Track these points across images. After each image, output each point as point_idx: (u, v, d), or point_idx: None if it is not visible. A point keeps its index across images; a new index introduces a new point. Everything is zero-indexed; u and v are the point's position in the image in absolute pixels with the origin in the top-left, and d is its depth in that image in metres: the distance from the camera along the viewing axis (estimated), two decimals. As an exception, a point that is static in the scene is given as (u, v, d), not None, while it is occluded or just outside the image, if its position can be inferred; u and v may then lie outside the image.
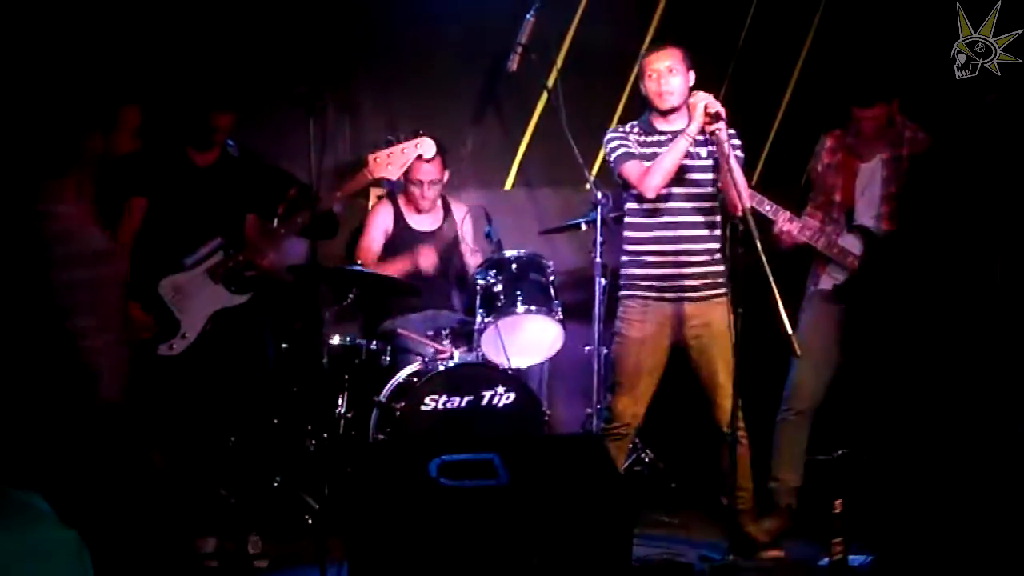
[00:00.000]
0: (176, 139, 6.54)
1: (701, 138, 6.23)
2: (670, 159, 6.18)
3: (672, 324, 6.35)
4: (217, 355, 6.44)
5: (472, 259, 7.41)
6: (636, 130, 6.42)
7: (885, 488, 6.47)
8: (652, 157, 6.30)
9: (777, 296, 5.72)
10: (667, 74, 6.27)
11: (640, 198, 6.31)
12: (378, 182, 6.64)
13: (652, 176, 6.21)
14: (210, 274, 6.41)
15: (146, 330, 6.29)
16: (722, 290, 6.22)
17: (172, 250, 6.42)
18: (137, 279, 6.23)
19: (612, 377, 6.53)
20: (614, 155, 6.38)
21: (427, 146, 6.43)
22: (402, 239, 7.29)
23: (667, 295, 6.34)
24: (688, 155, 6.26)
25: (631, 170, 6.30)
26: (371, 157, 6.43)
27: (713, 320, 6.24)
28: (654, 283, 6.34)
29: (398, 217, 7.30)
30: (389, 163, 6.38)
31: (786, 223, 6.52)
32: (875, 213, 6.63)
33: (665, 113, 6.33)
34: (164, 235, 6.45)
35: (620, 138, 6.39)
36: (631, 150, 6.34)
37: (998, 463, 6.01)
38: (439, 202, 7.42)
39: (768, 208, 6.49)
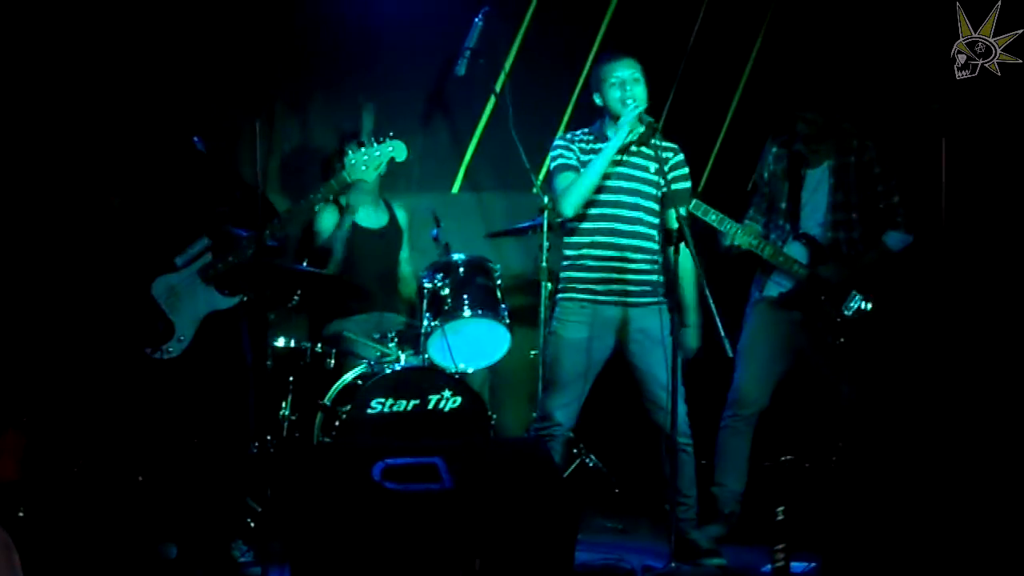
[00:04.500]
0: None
1: (647, 152, 6.25)
2: (587, 180, 6.20)
3: (611, 328, 6.33)
4: (203, 359, 6.31)
5: (407, 266, 7.41)
6: (587, 138, 6.40)
7: (829, 494, 6.50)
8: None
9: (710, 299, 5.77)
10: (632, 83, 6.26)
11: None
12: (349, 186, 6.61)
13: (570, 195, 6.23)
14: (201, 275, 6.27)
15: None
16: (661, 297, 6.23)
17: (158, 248, 6.27)
18: (128, 278, 6.18)
19: (545, 377, 6.54)
20: (554, 164, 6.37)
21: (400, 149, 6.47)
22: (344, 234, 7.25)
23: (607, 299, 6.33)
24: (632, 165, 6.29)
25: (561, 183, 6.29)
26: (346, 160, 6.43)
27: (653, 326, 6.25)
28: (593, 286, 6.33)
29: (342, 219, 7.26)
30: (364, 164, 6.40)
31: (736, 237, 6.53)
32: (821, 220, 6.65)
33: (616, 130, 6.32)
34: (148, 233, 6.29)
35: (564, 147, 6.38)
36: (571, 162, 6.32)
37: (944, 467, 6.04)
38: (382, 202, 7.42)
39: (714, 218, 6.50)
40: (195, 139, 6.36)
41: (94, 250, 6.23)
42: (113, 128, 6.58)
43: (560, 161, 6.34)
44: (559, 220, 6.78)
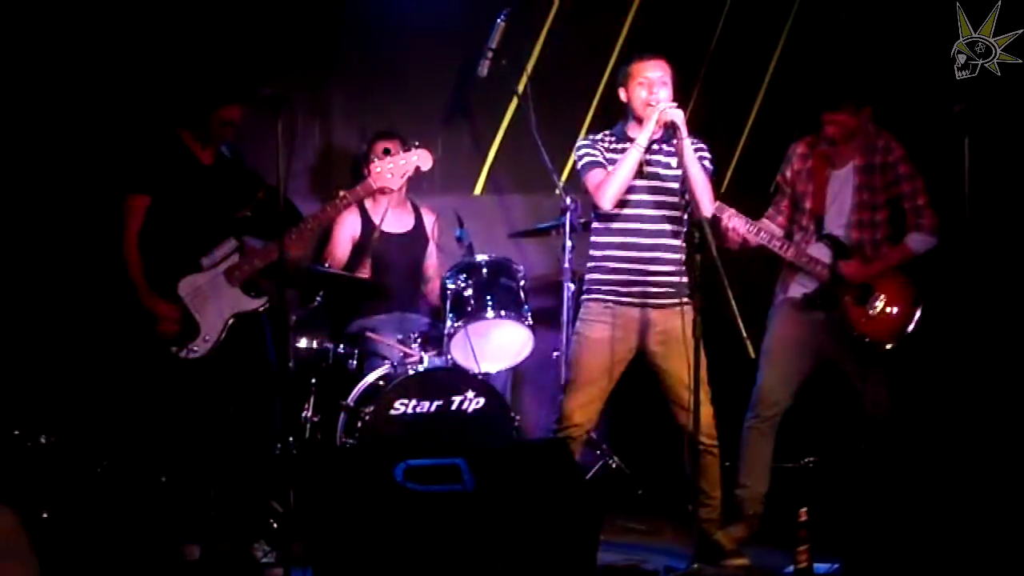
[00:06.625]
0: (175, 132, 6.40)
1: (669, 149, 6.26)
2: (622, 172, 6.23)
3: (634, 329, 6.35)
4: (228, 360, 6.35)
5: (436, 273, 7.40)
6: (609, 139, 6.43)
7: (851, 495, 6.48)
8: None
9: (732, 300, 5.76)
10: (659, 85, 6.28)
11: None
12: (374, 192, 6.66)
13: (606, 188, 6.26)
14: (227, 276, 6.32)
15: (174, 323, 6.23)
16: (686, 299, 6.23)
17: (184, 249, 6.31)
18: (153, 278, 6.22)
19: (566, 376, 6.55)
20: (581, 163, 6.40)
21: (425, 158, 6.51)
22: (371, 243, 7.26)
23: (630, 300, 6.34)
24: (656, 164, 6.30)
25: (593, 179, 6.34)
26: (372, 168, 6.50)
27: (676, 327, 6.23)
28: (617, 288, 6.35)
29: (366, 222, 7.27)
30: (390, 173, 6.45)
31: (731, 219, 6.50)
32: (845, 221, 6.62)
33: (644, 122, 6.33)
34: (175, 234, 6.31)
35: (588, 146, 6.41)
36: (597, 159, 6.36)
37: (967, 469, 6.02)
38: (409, 205, 7.42)
39: (725, 214, 6.49)
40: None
41: (122, 249, 6.26)
42: (139, 128, 6.60)
43: (588, 159, 6.37)
44: (583, 221, 6.80)
